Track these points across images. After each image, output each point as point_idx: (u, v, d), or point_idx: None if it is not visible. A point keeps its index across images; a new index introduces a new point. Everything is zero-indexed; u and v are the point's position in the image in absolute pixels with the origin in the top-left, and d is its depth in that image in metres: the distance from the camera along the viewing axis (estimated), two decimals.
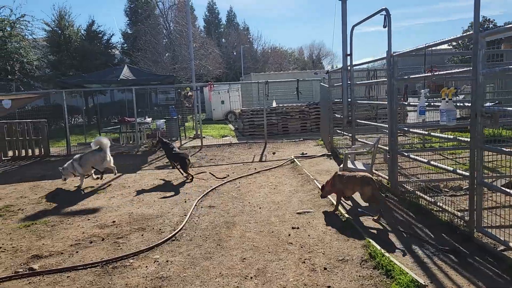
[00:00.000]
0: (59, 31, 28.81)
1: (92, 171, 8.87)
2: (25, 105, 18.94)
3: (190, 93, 14.55)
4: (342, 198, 5.84)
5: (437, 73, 5.24)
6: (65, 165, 8.56)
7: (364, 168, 6.27)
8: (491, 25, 40.03)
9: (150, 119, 16.78)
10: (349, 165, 6.35)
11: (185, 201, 6.98)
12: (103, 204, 7.09)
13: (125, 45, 38.13)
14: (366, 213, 5.65)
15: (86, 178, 8.77)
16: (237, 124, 21.42)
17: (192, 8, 31.20)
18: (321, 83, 13.35)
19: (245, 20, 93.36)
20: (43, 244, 5.26)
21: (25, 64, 23.39)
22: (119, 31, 49.94)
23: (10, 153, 13.25)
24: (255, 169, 9.54)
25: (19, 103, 14.43)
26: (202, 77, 28.63)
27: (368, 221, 5.39)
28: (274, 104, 15.29)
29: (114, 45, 35.36)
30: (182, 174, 8.98)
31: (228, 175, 8.98)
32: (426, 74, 5.25)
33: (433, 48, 5.40)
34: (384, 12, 6.34)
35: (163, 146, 9.89)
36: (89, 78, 15.16)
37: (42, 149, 13.37)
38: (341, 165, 6.45)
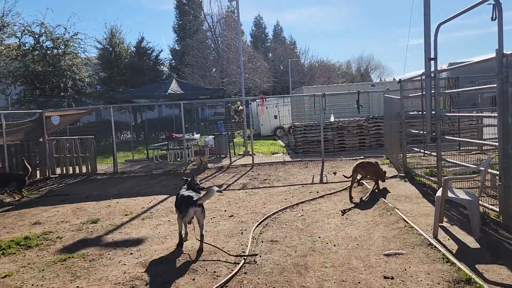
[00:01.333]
0: (110, 49, 29.32)
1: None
2: (75, 121, 18.96)
3: (240, 108, 13.68)
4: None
5: None
6: None
7: (469, 198, 4.92)
8: None
9: (198, 135, 16.08)
10: (449, 194, 5.03)
11: (242, 233, 5.92)
12: (148, 234, 6.19)
13: (173, 61, 38.44)
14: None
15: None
16: (287, 140, 20.35)
17: (240, 23, 30.75)
18: (386, 95, 12.02)
19: (292, 34, 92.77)
20: (77, 287, 4.37)
21: (77, 81, 23.71)
22: (167, 47, 50.86)
23: (58, 171, 12.93)
24: (317, 192, 8.35)
25: (68, 119, 14.20)
26: (250, 91, 27.92)
27: (490, 272, 4.03)
28: (332, 119, 14.06)
29: (163, 61, 35.67)
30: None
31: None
32: None
33: None
34: (492, 1, 5.05)
35: None
36: (137, 93, 14.71)
37: (89, 166, 12.94)
38: (438, 193, 5.13)
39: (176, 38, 40.05)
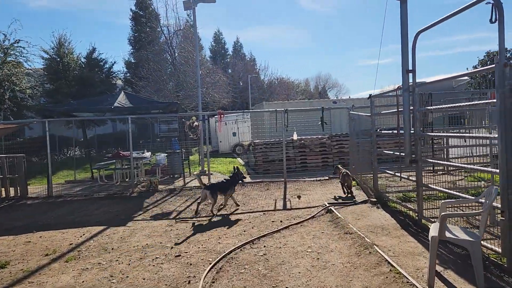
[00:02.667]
0: (58, 59, 27.23)
1: None
2: (5, 136, 16.95)
3: (196, 123, 12.47)
4: None
5: None
6: None
7: (470, 239, 4.00)
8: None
9: (149, 153, 14.66)
10: (447, 234, 4.07)
11: (189, 281, 4.68)
12: (69, 284, 4.80)
13: (127, 74, 36.58)
14: None
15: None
16: (247, 157, 19.28)
17: (199, 37, 29.43)
18: (351, 111, 11.28)
19: (252, 51, 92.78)
20: None
21: (16, 92, 21.59)
22: (122, 60, 48.62)
23: None
24: (281, 222, 7.24)
25: None
26: (208, 106, 26.73)
27: None
28: (295, 137, 13.13)
29: (116, 74, 33.77)
30: None
31: None
32: None
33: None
34: (491, 1, 4.26)
35: None
36: (79, 106, 13.13)
37: (19, 189, 11.20)
38: (432, 233, 4.16)
39: (132, 50, 38.23)
